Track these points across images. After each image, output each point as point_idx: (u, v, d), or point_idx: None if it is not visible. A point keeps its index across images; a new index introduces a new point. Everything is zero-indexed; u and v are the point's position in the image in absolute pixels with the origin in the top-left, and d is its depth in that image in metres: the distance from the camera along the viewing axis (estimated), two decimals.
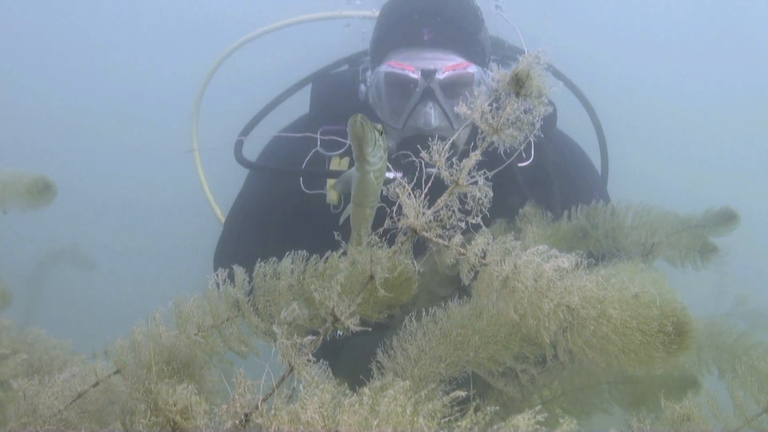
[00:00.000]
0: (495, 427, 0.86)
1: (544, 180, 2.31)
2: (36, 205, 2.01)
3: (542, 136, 2.30)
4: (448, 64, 2.11)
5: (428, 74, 2.10)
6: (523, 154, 2.30)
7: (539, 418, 0.85)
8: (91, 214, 9.12)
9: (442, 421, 0.91)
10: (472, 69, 2.11)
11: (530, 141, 2.29)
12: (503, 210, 2.08)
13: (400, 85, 2.16)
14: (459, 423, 0.87)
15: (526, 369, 1.91)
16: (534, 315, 1.14)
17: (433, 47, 2.14)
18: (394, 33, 2.20)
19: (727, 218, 2.04)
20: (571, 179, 2.42)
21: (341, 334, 2.20)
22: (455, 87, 2.12)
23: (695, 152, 9.78)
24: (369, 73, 2.28)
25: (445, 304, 1.59)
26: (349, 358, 1.89)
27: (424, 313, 1.56)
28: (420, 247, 2.00)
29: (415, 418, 0.89)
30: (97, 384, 1.33)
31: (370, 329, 1.83)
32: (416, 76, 2.10)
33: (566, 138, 2.56)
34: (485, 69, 2.20)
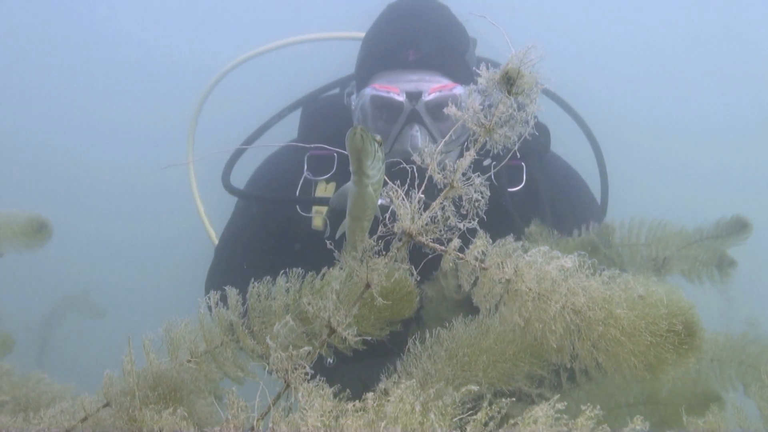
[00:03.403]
0: (513, 421, 0.81)
1: (536, 206, 2.23)
2: (32, 245, 1.98)
3: (535, 159, 2.29)
4: (433, 86, 2.08)
5: (414, 96, 2.07)
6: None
7: (559, 406, 0.80)
8: (98, 260, 9.15)
9: (454, 420, 0.84)
10: (458, 90, 2.08)
11: (522, 166, 2.28)
12: (492, 236, 2.03)
13: (385, 108, 2.12)
14: (474, 417, 0.81)
15: (542, 393, 1.82)
16: (539, 318, 1.08)
17: (418, 69, 2.11)
18: (379, 55, 2.18)
19: (739, 227, 1.98)
20: (564, 206, 2.34)
21: (331, 363, 2.14)
22: (441, 108, 2.09)
23: (698, 171, 9.70)
24: (354, 96, 2.25)
25: (449, 325, 1.52)
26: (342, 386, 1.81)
27: (428, 334, 1.49)
28: (426, 271, 1.95)
29: (426, 417, 0.83)
30: (85, 419, 1.27)
31: (364, 357, 1.74)
32: (401, 98, 2.07)
33: (561, 162, 2.50)
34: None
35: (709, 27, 9.96)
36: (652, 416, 1.79)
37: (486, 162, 2.19)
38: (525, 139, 2.38)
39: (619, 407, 1.82)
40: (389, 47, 2.16)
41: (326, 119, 2.35)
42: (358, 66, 2.30)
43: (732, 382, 1.79)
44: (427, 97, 2.06)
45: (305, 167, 2.30)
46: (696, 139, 9.87)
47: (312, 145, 2.14)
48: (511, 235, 2.05)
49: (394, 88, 2.08)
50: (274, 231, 2.33)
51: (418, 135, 2.05)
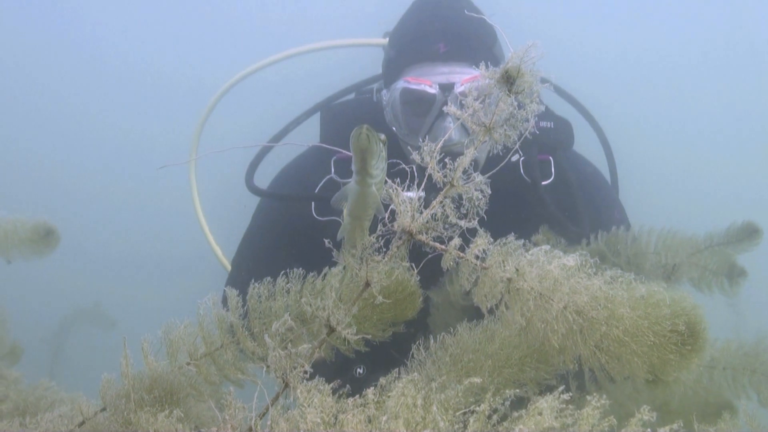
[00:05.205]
0: (516, 414, 0.79)
1: (569, 196, 2.25)
2: (39, 252, 1.98)
3: (562, 153, 2.30)
4: (465, 77, 2.08)
5: (446, 88, 2.07)
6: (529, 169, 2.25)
7: (565, 397, 0.79)
8: (110, 272, 9.18)
9: (457, 413, 0.82)
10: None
11: (550, 161, 2.28)
12: (532, 229, 2.04)
13: (417, 101, 2.12)
14: (477, 408, 0.79)
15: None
16: (541, 318, 1.06)
17: (449, 61, 2.11)
18: (409, 49, 2.19)
19: (749, 233, 1.94)
20: (593, 196, 2.36)
21: (362, 372, 2.11)
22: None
23: (711, 178, 9.58)
24: (385, 92, 2.25)
25: (454, 330, 1.50)
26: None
27: (432, 340, 1.47)
28: (433, 277, 1.92)
29: (428, 411, 0.81)
30: (83, 423, 1.26)
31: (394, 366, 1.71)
32: (434, 90, 2.07)
33: (582, 158, 2.51)
34: None
35: (722, 31, 9.89)
36: (664, 425, 1.75)
37: (514, 158, 2.20)
38: (550, 135, 2.35)
39: (630, 416, 1.78)
40: (419, 41, 2.17)
41: (348, 123, 2.34)
42: (386, 62, 2.31)
43: (745, 391, 1.75)
44: (459, 88, 2.06)
45: (332, 170, 2.30)
46: (708, 146, 9.79)
47: (311, 144, 2.13)
48: (546, 226, 2.06)
49: (426, 80, 2.09)
50: (300, 232, 2.29)
51: (451, 127, 2.03)
